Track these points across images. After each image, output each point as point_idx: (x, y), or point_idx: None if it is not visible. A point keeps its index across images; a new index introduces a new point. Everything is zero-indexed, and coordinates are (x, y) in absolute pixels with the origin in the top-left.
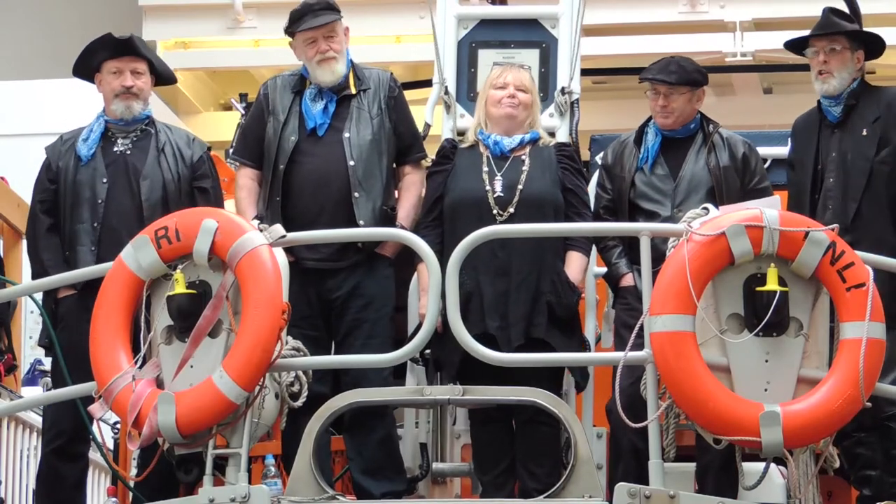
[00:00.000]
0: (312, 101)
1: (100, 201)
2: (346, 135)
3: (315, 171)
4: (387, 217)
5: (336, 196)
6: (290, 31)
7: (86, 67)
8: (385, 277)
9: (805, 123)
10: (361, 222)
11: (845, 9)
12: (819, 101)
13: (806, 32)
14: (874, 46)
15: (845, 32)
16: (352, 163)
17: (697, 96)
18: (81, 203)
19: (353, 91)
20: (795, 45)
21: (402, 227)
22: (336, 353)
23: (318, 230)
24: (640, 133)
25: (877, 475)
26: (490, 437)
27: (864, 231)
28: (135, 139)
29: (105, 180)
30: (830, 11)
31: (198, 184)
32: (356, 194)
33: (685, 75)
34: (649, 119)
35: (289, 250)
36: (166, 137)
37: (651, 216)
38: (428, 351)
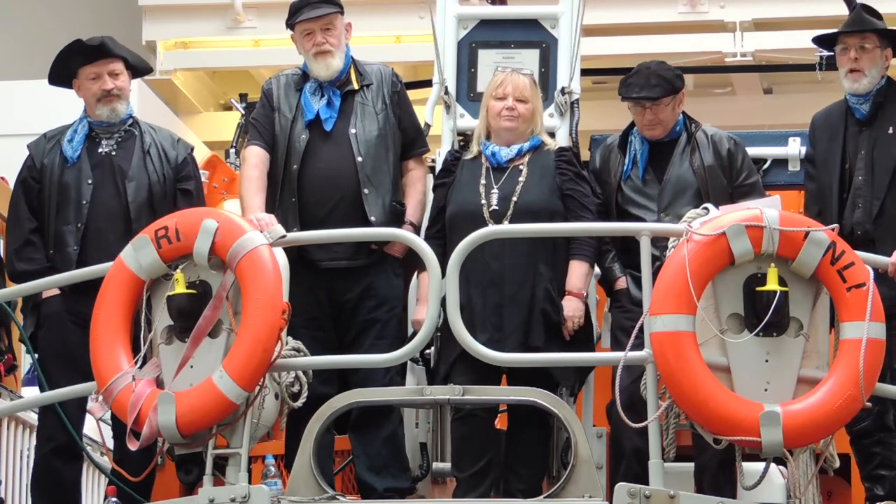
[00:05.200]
0: (312, 95)
1: (84, 202)
2: (353, 130)
3: (325, 168)
4: (396, 212)
5: (346, 193)
6: (289, 23)
7: (62, 75)
8: (396, 277)
9: (827, 120)
10: (373, 218)
11: (846, 8)
12: (846, 98)
13: (806, 33)
14: None
15: (877, 30)
16: (360, 159)
17: (679, 101)
18: (67, 204)
19: (356, 86)
20: (825, 41)
21: (412, 224)
22: (344, 353)
23: (322, 230)
24: (625, 139)
25: (892, 475)
26: (469, 433)
27: (887, 228)
28: (119, 140)
29: (90, 181)
30: (862, 8)
31: (181, 185)
32: (366, 191)
33: (667, 85)
34: (632, 125)
35: (304, 250)
36: (151, 139)
37: (637, 221)
38: (428, 351)
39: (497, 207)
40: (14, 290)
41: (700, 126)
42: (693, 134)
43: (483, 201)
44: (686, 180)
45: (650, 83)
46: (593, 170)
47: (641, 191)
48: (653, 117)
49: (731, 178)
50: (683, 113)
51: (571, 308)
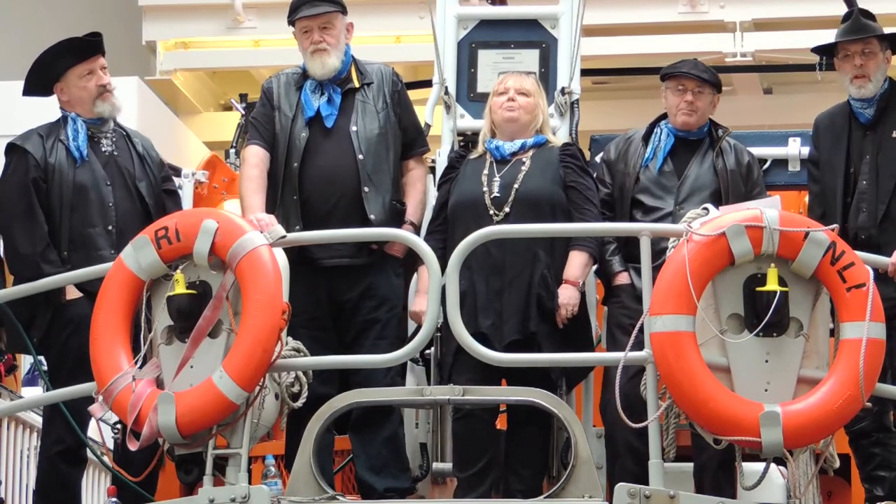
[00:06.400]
0: (312, 93)
1: (110, 204)
2: (354, 128)
3: (325, 166)
4: (396, 211)
5: (347, 191)
6: (289, 20)
7: (47, 79)
8: (396, 277)
9: (831, 122)
10: (373, 217)
11: (846, 8)
12: (848, 101)
13: (806, 33)
14: None
15: (878, 35)
16: (361, 157)
17: (715, 101)
18: (87, 205)
19: (357, 84)
20: (825, 49)
21: (412, 224)
22: (344, 353)
23: (322, 231)
24: (650, 132)
25: (891, 476)
26: (469, 433)
27: (892, 233)
28: (114, 139)
29: (108, 182)
30: (860, 13)
31: (165, 186)
32: (366, 189)
33: (713, 77)
34: (659, 119)
35: (304, 249)
36: (138, 139)
37: (651, 211)
38: (428, 351)
39: (498, 194)
40: (16, 289)
41: (727, 132)
42: (721, 138)
43: (485, 189)
44: (706, 179)
45: (699, 68)
46: (606, 160)
47: (659, 182)
48: (692, 100)
49: (748, 188)
50: (710, 119)
51: (566, 296)
